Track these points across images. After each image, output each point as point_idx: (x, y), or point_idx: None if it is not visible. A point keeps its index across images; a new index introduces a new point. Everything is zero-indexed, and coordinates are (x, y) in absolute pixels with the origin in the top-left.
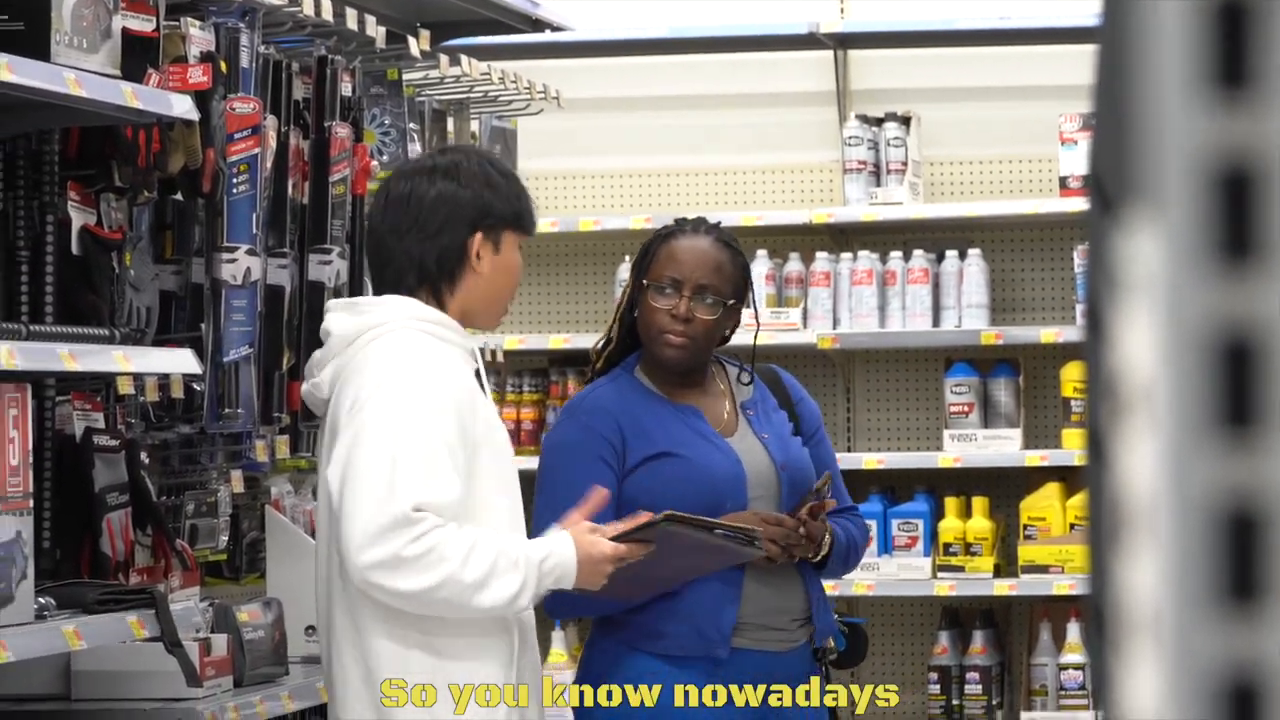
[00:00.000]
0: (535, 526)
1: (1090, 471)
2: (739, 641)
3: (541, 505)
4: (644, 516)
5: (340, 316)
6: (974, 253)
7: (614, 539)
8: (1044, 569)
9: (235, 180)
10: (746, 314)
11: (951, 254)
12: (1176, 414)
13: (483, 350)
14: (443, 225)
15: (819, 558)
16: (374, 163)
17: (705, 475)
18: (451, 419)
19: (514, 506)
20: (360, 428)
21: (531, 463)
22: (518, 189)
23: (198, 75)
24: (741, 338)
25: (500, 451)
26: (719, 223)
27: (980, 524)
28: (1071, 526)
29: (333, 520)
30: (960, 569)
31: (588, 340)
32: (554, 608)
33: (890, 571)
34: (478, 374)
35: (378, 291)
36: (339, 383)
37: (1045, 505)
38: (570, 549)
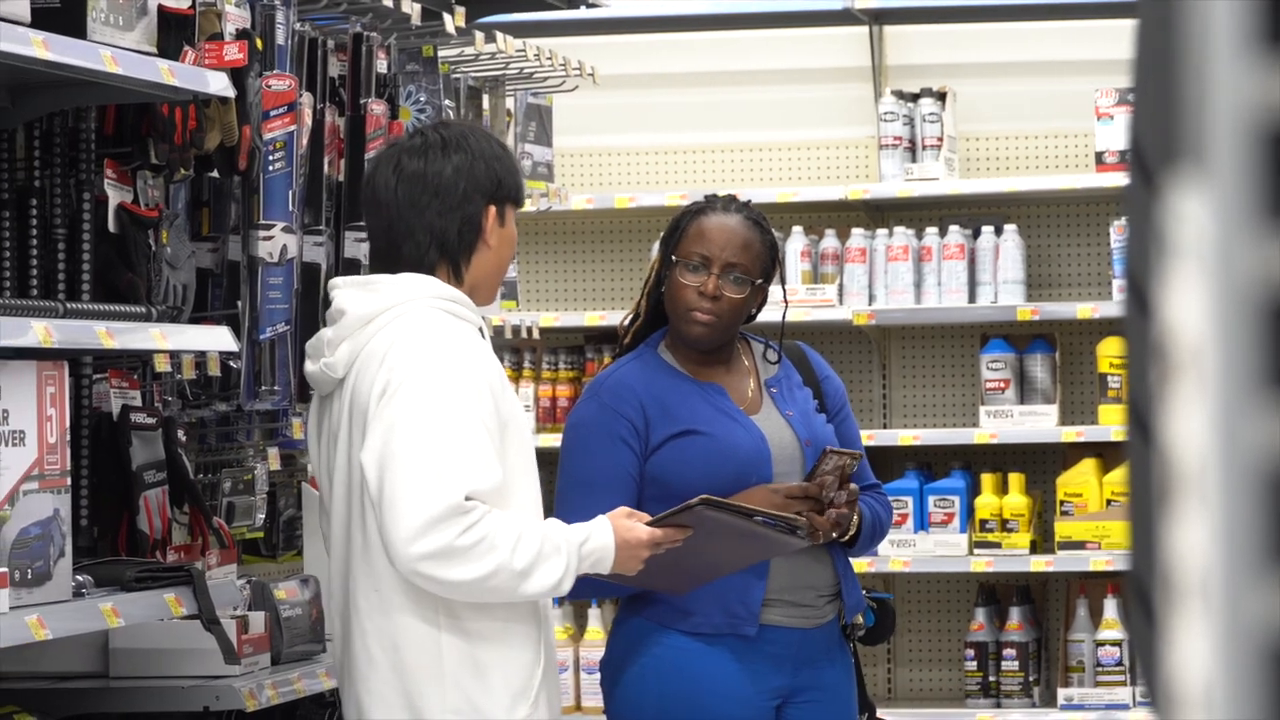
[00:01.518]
0: (557, 505)
1: (1132, 443)
2: (767, 618)
3: (562, 484)
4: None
5: (353, 294)
6: (1010, 228)
7: (651, 523)
8: (1081, 545)
9: (271, 158)
10: (774, 291)
11: (987, 230)
12: (1226, 376)
13: (518, 328)
14: (463, 198)
15: (848, 537)
16: None
17: (729, 453)
18: (487, 399)
19: (535, 483)
20: (398, 414)
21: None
22: (515, 162)
23: (233, 52)
24: (771, 314)
25: (523, 428)
26: (749, 201)
27: (1016, 500)
28: (1108, 502)
29: (351, 506)
30: (997, 545)
31: (624, 317)
32: (575, 588)
33: (926, 548)
34: None
35: (387, 269)
36: (358, 364)
37: (1082, 481)
38: (609, 533)
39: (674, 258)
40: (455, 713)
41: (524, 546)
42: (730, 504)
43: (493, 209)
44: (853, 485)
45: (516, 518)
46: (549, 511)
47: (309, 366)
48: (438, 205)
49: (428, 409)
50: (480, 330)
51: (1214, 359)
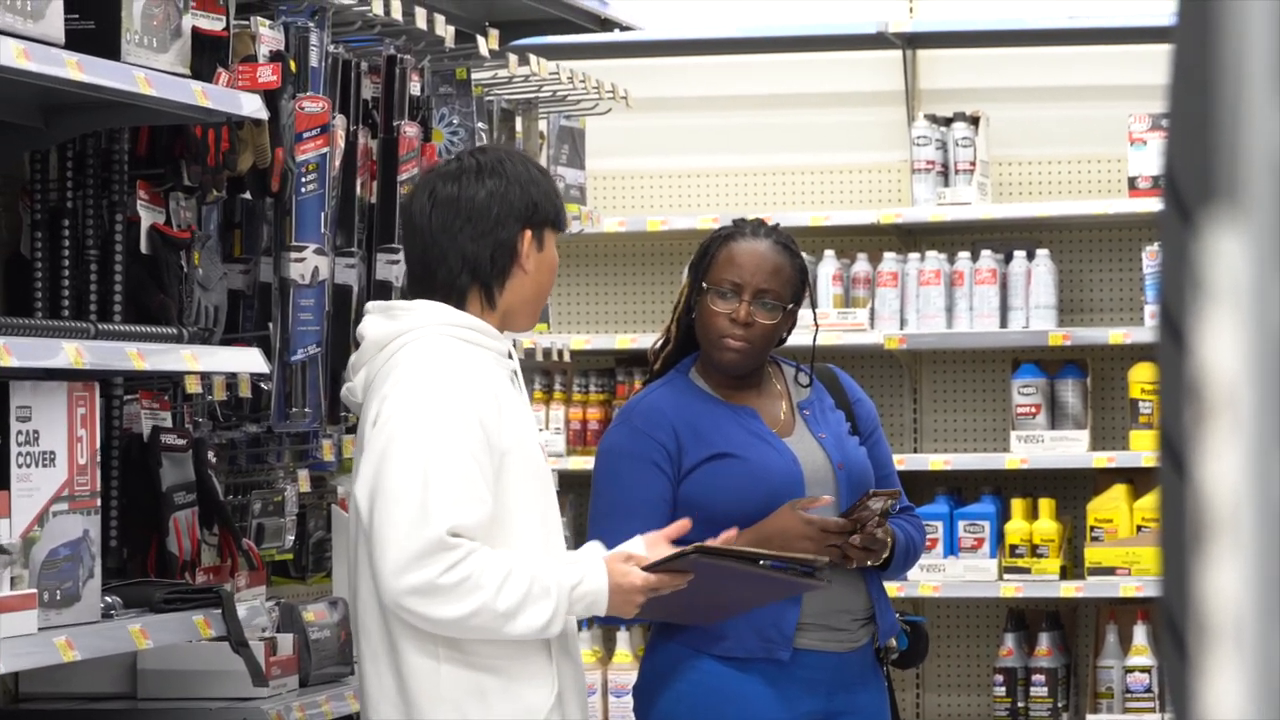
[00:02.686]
0: (590, 530)
1: (1164, 477)
2: (801, 642)
3: (595, 510)
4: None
5: (375, 320)
6: (1042, 253)
7: (647, 568)
8: (1111, 571)
9: (304, 179)
10: (804, 314)
11: (1019, 254)
12: (1261, 418)
13: (549, 350)
14: (496, 222)
15: (880, 561)
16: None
17: (762, 476)
18: (476, 430)
19: (546, 510)
20: (386, 445)
21: (592, 464)
22: (554, 186)
23: (267, 74)
24: (802, 338)
25: (529, 455)
26: (777, 224)
27: (1047, 525)
28: (1139, 528)
29: (359, 531)
30: (1026, 571)
31: (654, 340)
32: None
33: (956, 573)
34: (514, 375)
35: (422, 295)
36: (368, 390)
37: (1112, 507)
38: (602, 578)
39: (704, 284)
40: None
41: (510, 588)
42: (727, 550)
43: (528, 233)
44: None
45: (507, 557)
46: (582, 536)
47: (343, 390)
48: (470, 230)
49: (412, 443)
50: (509, 354)
51: (1249, 400)
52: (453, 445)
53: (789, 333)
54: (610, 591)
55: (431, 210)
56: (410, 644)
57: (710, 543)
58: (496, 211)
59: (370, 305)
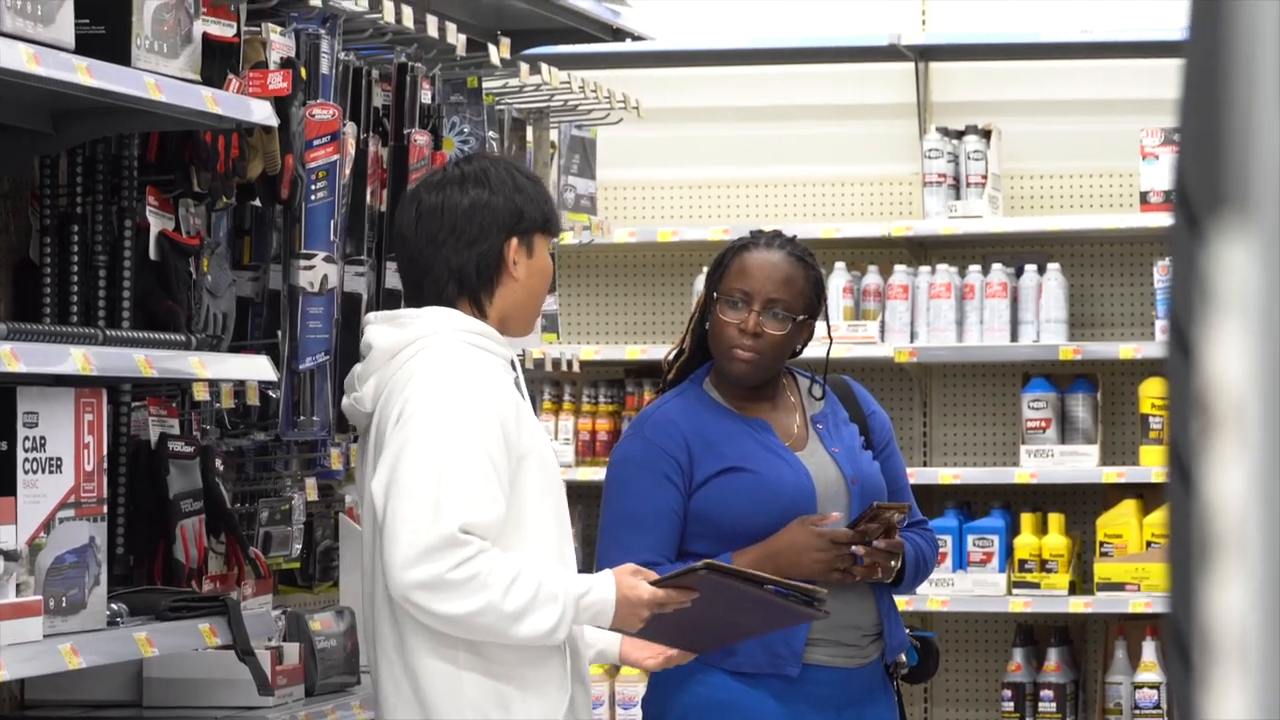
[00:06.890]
0: (600, 540)
1: (1173, 489)
2: (811, 658)
3: (606, 520)
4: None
5: (382, 329)
6: (1053, 267)
7: (655, 583)
8: (1120, 586)
9: (314, 187)
10: (820, 327)
11: (1030, 268)
12: (1268, 430)
13: (558, 361)
14: (480, 232)
15: (891, 579)
16: None
17: (774, 490)
18: (496, 431)
19: (560, 518)
20: (405, 441)
21: (604, 474)
22: (544, 191)
23: (277, 81)
24: (816, 349)
25: (545, 461)
26: (794, 236)
27: (1056, 540)
28: (1148, 544)
29: (376, 536)
30: (1035, 585)
31: (664, 351)
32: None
33: (965, 587)
34: (517, 384)
35: (414, 304)
36: (383, 397)
37: (1122, 522)
38: (611, 589)
39: (716, 294)
40: None
41: (518, 590)
42: (736, 570)
43: (514, 242)
44: (897, 538)
45: (517, 560)
46: (591, 547)
47: (345, 400)
48: (454, 242)
49: (431, 439)
50: (513, 363)
51: (1256, 412)
52: (470, 444)
53: (804, 345)
54: (618, 603)
55: (417, 222)
56: (424, 646)
57: (720, 562)
58: (479, 223)
59: (371, 315)
